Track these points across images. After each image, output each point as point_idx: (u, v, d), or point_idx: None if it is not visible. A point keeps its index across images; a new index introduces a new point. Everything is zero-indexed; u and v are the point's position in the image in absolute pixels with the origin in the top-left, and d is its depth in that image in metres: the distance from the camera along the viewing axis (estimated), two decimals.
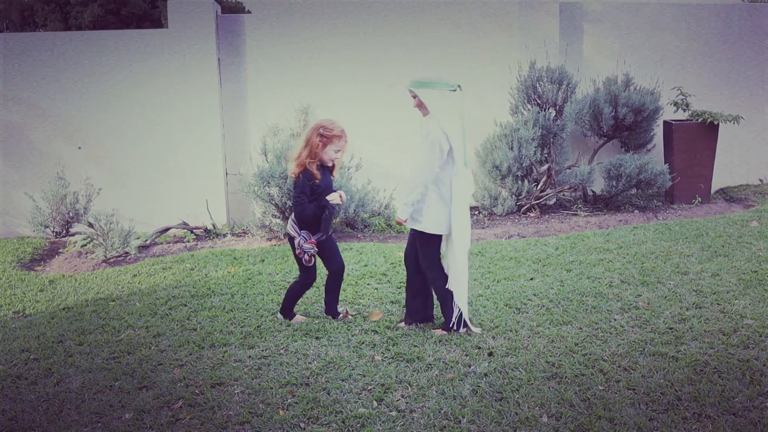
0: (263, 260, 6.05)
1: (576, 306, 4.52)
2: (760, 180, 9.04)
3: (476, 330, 4.15)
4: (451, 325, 4.13)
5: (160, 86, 7.68)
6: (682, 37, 8.42)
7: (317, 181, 4.17)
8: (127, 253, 6.69)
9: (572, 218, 7.44)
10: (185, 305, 4.91)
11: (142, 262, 6.31)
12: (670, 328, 4.08)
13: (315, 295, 5.00)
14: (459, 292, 4.13)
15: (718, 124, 7.76)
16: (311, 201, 4.16)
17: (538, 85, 7.54)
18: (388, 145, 7.87)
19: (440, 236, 4.13)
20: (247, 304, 4.84)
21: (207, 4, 7.68)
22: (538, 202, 7.58)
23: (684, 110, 8.01)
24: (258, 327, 4.40)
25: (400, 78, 7.49)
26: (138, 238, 6.98)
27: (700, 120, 7.77)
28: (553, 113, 7.46)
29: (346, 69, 7.91)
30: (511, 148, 7.32)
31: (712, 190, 8.42)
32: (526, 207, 7.59)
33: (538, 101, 7.54)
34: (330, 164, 4.26)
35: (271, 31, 7.85)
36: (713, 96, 8.39)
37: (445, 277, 4.15)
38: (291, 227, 4.30)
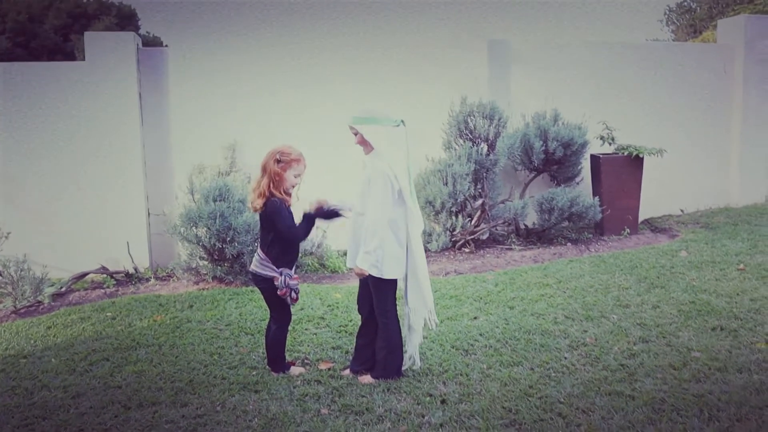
0: (191, 306, 5.68)
1: (524, 345, 4.40)
2: (681, 210, 9.35)
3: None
4: (392, 373, 3.92)
5: (76, 122, 7.22)
6: (606, 74, 8.67)
7: (289, 204, 3.94)
8: (39, 302, 6.16)
9: (507, 252, 7.41)
10: (107, 359, 4.49)
11: (57, 312, 5.81)
12: (622, 365, 4.01)
13: (249, 343, 4.69)
14: (415, 335, 3.96)
15: (643, 157, 7.97)
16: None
17: (469, 120, 7.54)
18: (322, 181, 7.65)
19: (396, 280, 3.93)
20: (176, 356, 4.47)
21: (127, 36, 7.33)
22: (472, 237, 7.52)
23: (610, 144, 8.19)
24: (190, 381, 4.05)
25: (336, 112, 7.36)
26: (52, 285, 6.46)
27: (626, 153, 7.96)
28: (485, 148, 7.46)
29: (275, 104, 7.69)
30: (446, 184, 7.25)
31: (639, 221, 8.62)
32: (460, 242, 7.52)
33: (470, 136, 7.54)
34: (289, 191, 3.99)
35: (194, 65, 7.55)
36: (636, 130, 8.64)
37: (398, 323, 3.94)
38: (263, 267, 3.94)
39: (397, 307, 4.00)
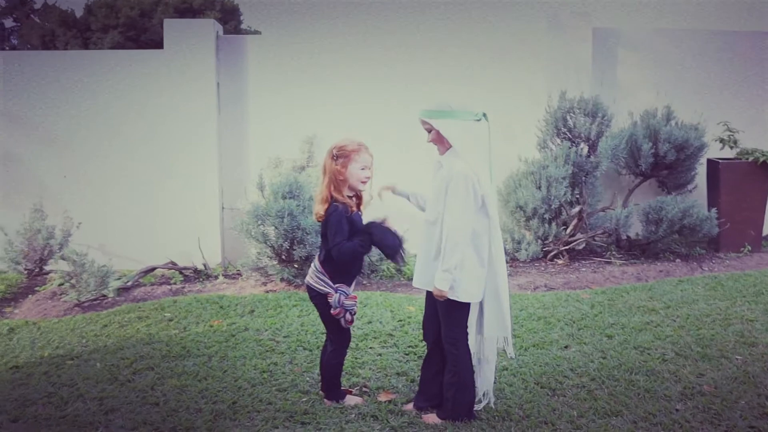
0: (252, 311, 5.26)
1: (624, 388, 3.67)
2: None
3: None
4: (461, 414, 3.30)
5: (153, 111, 7.00)
6: (728, 67, 7.63)
7: (353, 210, 3.40)
8: (104, 296, 5.93)
9: (606, 267, 6.59)
10: (152, 369, 4.12)
11: (118, 308, 5.54)
12: (752, 427, 3.22)
13: (306, 360, 4.19)
14: (488, 368, 3.34)
15: None
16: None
17: (568, 117, 6.76)
18: (404, 179, 7.09)
19: (469, 304, 3.31)
20: (224, 371, 4.03)
21: (207, 24, 7.03)
22: (567, 247, 6.75)
23: (731, 148, 7.19)
24: (233, 404, 3.59)
25: (418, 102, 6.78)
26: (119, 278, 6.23)
27: (750, 159, 6.94)
28: (585, 149, 6.67)
29: (359, 96, 7.18)
30: (539, 188, 6.51)
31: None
32: (553, 253, 6.76)
33: (569, 135, 6.76)
34: (359, 189, 3.45)
35: (276, 53, 7.16)
36: (760, 133, 7.56)
37: (469, 355, 3.32)
38: (318, 281, 3.44)
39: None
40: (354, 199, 3.46)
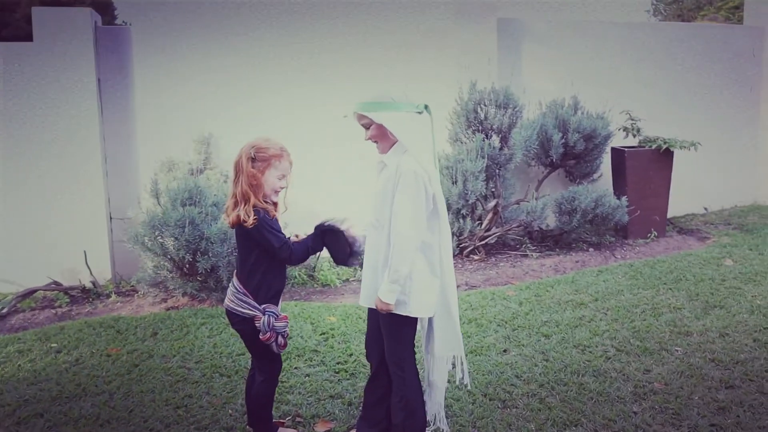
0: (155, 334, 4.68)
1: (576, 393, 3.46)
2: (705, 209, 8.50)
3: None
4: None
5: (24, 112, 6.16)
6: (629, 58, 7.75)
7: (274, 215, 2.93)
8: None
9: (523, 260, 6.48)
10: (41, 415, 3.49)
11: None
12: (713, 425, 3.08)
13: (225, 389, 3.71)
14: (437, 392, 3.01)
15: (673, 151, 7.08)
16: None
17: (479, 108, 6.58)
18: (310, 180, 6.67)
19: (416, 320, 2.94)
20: (130, 411, 3.48)
21: (83, 13, 6.26)
22: (482, 242, 6.58)
23: (634, 136, 7.29)
24: None
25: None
26: None
27: (654, 147, 7.05)
28: (497, 141, 6.51)
29: (256, 87, 6.67)
30: (455, 183, 6.29)
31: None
32: (469, 249, 6.57)
33: (480, 127, 6.58)
34: (272, 199, 2.99)
35: (162, 45, 6.51)
36: (655, 120, 7.73)
37: (417, 376, 2.97)
38: (240, 303, 2.94)
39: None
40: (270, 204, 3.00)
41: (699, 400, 3.32)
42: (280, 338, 2.95)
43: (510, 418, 3.23)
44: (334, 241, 2.95)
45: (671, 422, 3.12)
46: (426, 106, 2.88)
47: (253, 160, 2.90)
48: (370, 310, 3.01)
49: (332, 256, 2.99)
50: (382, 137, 2.85)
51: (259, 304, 2.93)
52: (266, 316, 2.91)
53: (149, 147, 6.48)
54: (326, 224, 2.97)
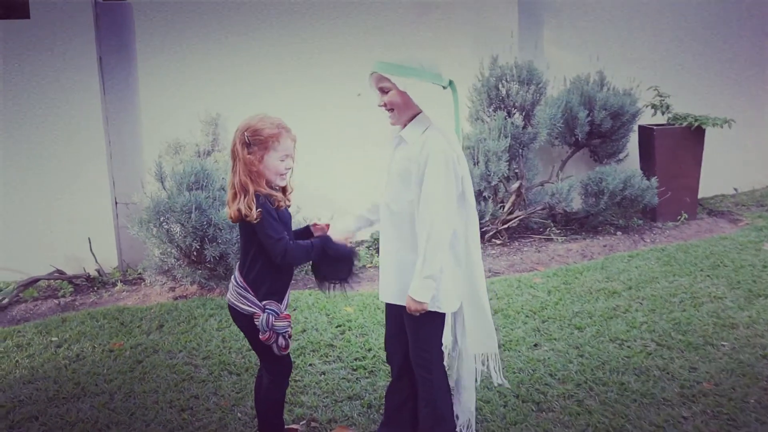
0: (161, 326, 4.42)
1: (617, 394, 3.16)
2: (735, 189, 8.11)
3: None
4: None
5: (22, 94, 5.87)
6: (656, 31, 7.34)
7: (281, 205, 2.63)
8: None
9: (548, 245, 6.15)
10: (36, 418, 3.24)
11: None
12: None
13: (234, 388, 3.44)
14: (467, 394, 2.71)
15: (705, 129, 6.70)
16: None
17: (500, 85, 6.22)
18: (322, 161, 6.36)
19: (444, 316, 2.64)
20: (131, 414, 3.22)
21: None
22: (505, 226, 6.26)
23: (663, 113, 6.90)
24: None
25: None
26: None
27: (684, 124, 6.67)
28: (520, 119, 6.16)
29: (265, 64, 6.35)
30: (476, 164, 5.95)
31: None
32: (491, 233, 6.26)
33: (502, 105, 6.22)
34: (277, 184, 2.66)
35: (167, 22, 6.20)
36: (686, 98, 7.31)
37: (446, 378, 2.67)
38: (239, 298, 2.65)
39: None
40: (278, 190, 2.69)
41: (756, 402, 3.01)
42: (281, 339, 2.64)
43: (546, 423, 2.93)
44: (337, 252, 2.66)
45: (727, 430, 2.81)
46: (451, 82, 2.55)
47: (249, 144, 2.57)
48: (389, 306, 2.70)
49: (329, 274, 2.71)
50: (403, 107, 2.51)
51: (260, 300, 2.63)
52: (266, 313, 2.60)
53: (154, 128, 6.19)
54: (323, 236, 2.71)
